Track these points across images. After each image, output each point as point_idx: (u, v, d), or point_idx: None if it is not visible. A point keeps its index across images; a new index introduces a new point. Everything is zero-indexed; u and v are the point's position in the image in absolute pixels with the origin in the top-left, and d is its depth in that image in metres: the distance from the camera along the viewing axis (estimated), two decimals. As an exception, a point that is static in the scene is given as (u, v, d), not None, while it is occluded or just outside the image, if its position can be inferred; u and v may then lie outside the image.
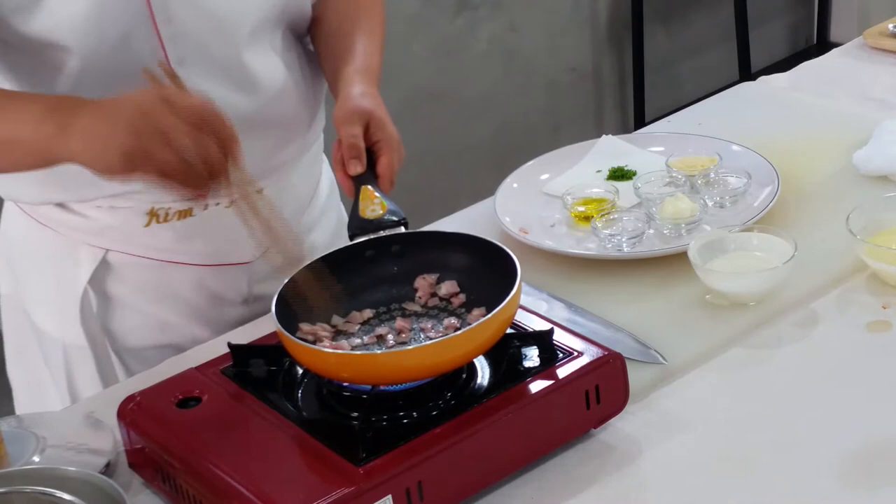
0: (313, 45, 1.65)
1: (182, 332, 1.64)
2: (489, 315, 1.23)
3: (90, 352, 1.60)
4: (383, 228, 1.40)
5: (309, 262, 1.37)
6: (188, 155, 1.26)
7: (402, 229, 1.41)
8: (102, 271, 1.59)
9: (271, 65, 1.55)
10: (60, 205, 1.57)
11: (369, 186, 1.44)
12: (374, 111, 1.48)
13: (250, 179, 1.34)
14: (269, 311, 1.28)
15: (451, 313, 1.36)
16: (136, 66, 1.41)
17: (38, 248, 1.62)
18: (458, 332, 1.23)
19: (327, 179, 1.76)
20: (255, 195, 1.36)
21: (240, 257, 1.62)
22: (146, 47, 1.45)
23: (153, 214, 1.55)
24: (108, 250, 1.58)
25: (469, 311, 1.35)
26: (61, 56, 1.43)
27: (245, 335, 1.45)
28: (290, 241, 1.36)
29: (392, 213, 1.42)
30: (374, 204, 1.42)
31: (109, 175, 1.30)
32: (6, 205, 1.67)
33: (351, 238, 1.41)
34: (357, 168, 1.44)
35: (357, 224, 1.41)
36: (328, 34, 1.61)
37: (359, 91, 1.51)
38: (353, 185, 1.45)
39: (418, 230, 1.46)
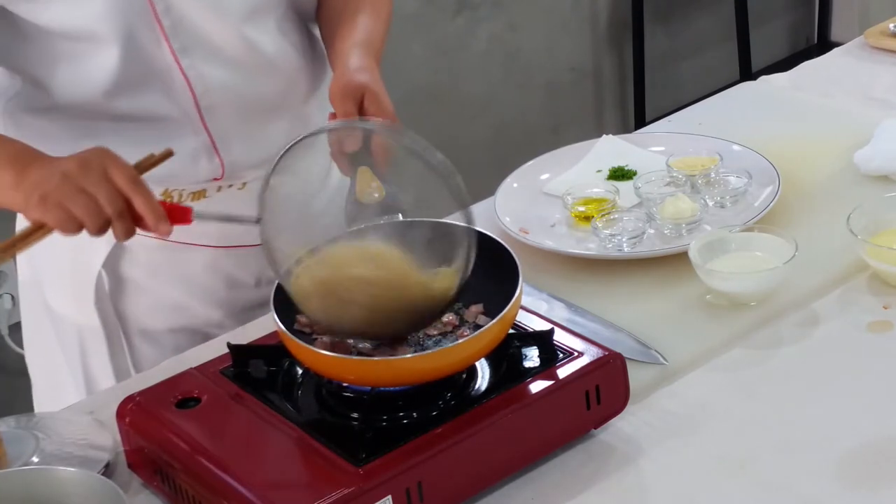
0: (318, 26, 1.63)
1: (196, 315, 1.64)
2: (493, 321, 1.23)
3: (103, 335, 1.61)
4: (380, 215, 1.36)
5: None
6: (94, 214, 1.28)
7: (400, 217, 1.37)
8: (117, 253, 1.59)
9: (280, 46, 1.54)
10: None
11: (368, 168, 1.38)
12: (369, 85, 1.43)
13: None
14: None
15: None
16: (147, 63, 1.43)
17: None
18: (462, 341, 1.23)
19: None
20: None
21: (253, 239, 1.60)
22: (152, 41, 1.46)
23: (167, 196, 1.55)
24: None
25: (467, 307, 1.35)
26: (91, 48, 1.44)
27: (246, 335, 1.45)
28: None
29: (390, 197, 1.37)
30: (372, 188, 1.38)
31: (23, 211, 1.33)
32: None
33: (347, 224, 1.37)
34: (351, 146, 1.38)
35: (353, 209, 1.38)
36: (333, 14, 1.59)
37: (355, 65, 1.46)
38: (349, 165, 1.39)
39: None
